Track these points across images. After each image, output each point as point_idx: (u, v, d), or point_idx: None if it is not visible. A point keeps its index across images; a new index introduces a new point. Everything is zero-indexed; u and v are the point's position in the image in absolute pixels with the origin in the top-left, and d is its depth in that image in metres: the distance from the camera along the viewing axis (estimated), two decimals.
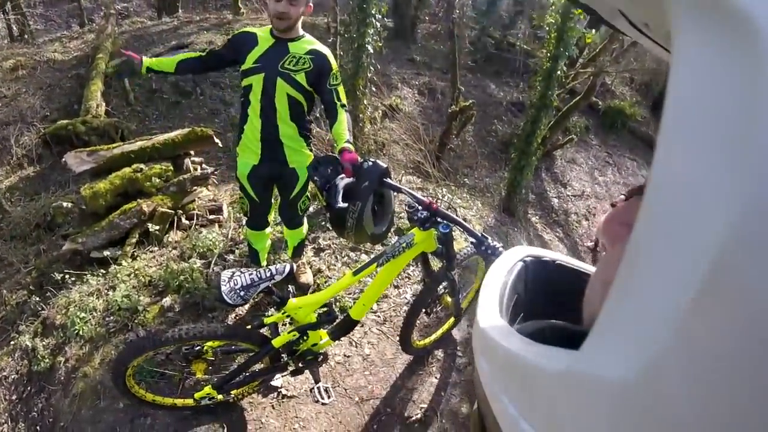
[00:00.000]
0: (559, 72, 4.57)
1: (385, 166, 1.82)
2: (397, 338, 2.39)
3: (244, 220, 2.65)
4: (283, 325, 2.23)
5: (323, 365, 2.34)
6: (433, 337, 2.52)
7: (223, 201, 3.81)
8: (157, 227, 3.25)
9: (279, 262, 1.85)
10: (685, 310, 0.17)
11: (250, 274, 1.68)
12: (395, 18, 9.21)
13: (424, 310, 2.30)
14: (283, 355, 1.93)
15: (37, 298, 2.92)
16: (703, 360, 0.16)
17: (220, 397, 1.90)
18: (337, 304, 2.66)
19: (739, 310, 0.15)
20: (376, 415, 2.23)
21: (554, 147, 7.71)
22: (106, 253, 3.10)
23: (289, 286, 2.31)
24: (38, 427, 2.29)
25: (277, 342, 1.84)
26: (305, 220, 2.67)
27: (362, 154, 4.42)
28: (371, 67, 3.99)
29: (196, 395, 1.90)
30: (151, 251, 3.16)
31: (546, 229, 5.75)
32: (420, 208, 1.79)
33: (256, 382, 2.08)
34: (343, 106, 2.19)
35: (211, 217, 3.63)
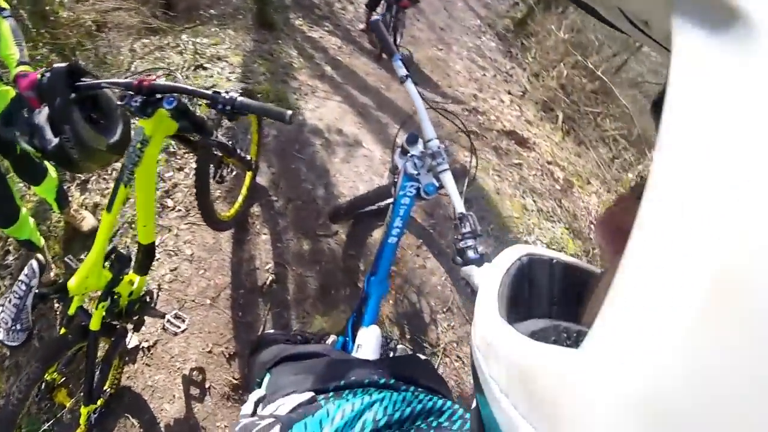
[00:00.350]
0: None
1: (65, 65, 1.42)
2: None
3: None
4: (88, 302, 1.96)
5: (157, 299, 2.21)
6: (240, 200, 2.41)
7: None
8: None
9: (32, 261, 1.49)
10: (689, 315, 0.15)
11: (9, 302, 1.38)
12: None
13: (213, 180, 2.13)
14: (113, 323, 1.71)
15: None
16: (707, 365, 0.15)
17: (100, 402, 1.74)
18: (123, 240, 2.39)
19: (746, 314, 0.14)
20: (233, 304, 2.22)
21: None
22: None
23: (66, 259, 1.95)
24: None
25: (94, 324, 1.59)
26: (46, 163, 2.12)
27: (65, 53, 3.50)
28: None
29: (82, 421, 1.69)
30: None
31: (314, 28, 5.39)
32: (132, 94, 1.45)
33: (116, 364, 1.89)
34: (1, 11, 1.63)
35: None
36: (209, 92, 1.42)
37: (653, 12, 0.29)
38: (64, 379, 1.71)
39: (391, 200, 1.61)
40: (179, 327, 1.91)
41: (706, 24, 0.18)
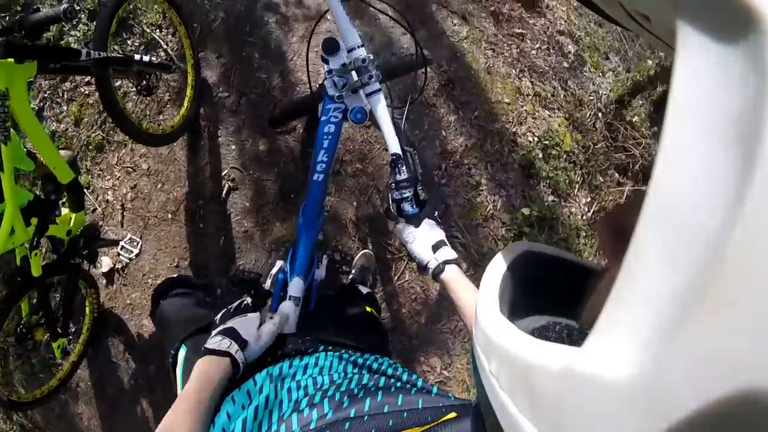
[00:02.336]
0: None
1: None
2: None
3: None
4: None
5: (123, 219, 2.27)
6: (185, 105, 2.19)
7: None
8: None
9: None
10: (690, 310, 0.16)
11: None
12: None
13: (140, 94, 1.98)
14: (62, 262, 1.83)
15: None
16: (708, 361, 0.16)
17: (67, 337, 1.94)
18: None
19: (747, 310, 0.15)
20: (193, 216, 2.24)
21: None
22: None
23: None
24: None
25: (34, 271, 1.68)
26: None
27: None
28: None
29: (56, 354, 1.93)
30: None
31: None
32: None
33: (89, 294, 2.09)
34: None
35: None
36: None
37: (655, 8, 0.27)
38: (41, 319, 1.89)
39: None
40: (132, 251, 2.01)
41: (713, 21, 0.17)
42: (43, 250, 1.82)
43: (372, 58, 1.15)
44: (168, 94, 2.30)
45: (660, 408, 0.18)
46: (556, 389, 0.25)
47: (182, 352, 1.02)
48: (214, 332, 0.85)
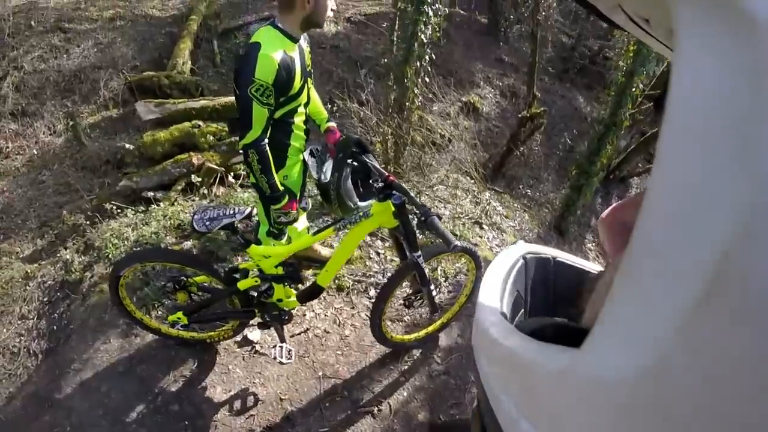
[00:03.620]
0: (634, 89, 4.20)
1: (356, 137, 1.95)
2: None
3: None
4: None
5: (302, 332, 2.47)
6: (414, 335, 2.50)
7: None
8: (200, 179, 3.53)
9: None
10: (689, 309, 0.17)
11: (217, 210, 1.83)
12: (489, 14, 8.93)
13: (404, 302, 2.32)
14: (251, 304, 2.05)
15: (88, 223, 3.31)
16: (706, 359, 0.17)
17: (185, 320, 2.08)
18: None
19: (743, 308, 0.16)
20: (332, 392, 2.29)
21: (631, 174, 7.15)
22: (153, 194, 3.45)
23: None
24: (55, 327, 2.64)
25: (241, 284, 1.97)
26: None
27: (404, 146, 4.42)
28: (427, 57, 3.94)
29: (170, 317, 2.11)
30: (191, 200, 3.43)
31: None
32: (378, 179, 1.88)
33: (229, 326, 2.26)
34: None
35: None
36: (422, 205, 1.74)
37: (655, 11, 0.31)
38: (192, 291, 2.09)
39: None
40: (282, 357, 2.16)
41: (711, 25, 0.18)
42: None
43: None
44: (413, 319, 2.67)
45: (659, 408, 0.17)
46: (556, 389, 0.25)
47: None
48: None
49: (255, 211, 1.85)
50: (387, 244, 3.15)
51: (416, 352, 2.53)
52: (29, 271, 3.12)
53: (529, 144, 6.76)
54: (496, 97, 8.32)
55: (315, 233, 1.95)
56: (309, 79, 2.09)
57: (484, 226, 3.77)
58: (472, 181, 5.14)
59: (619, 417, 0.21)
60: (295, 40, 1.86)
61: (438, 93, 6.83)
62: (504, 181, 6.20)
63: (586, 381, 0.23)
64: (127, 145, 4.07)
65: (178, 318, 2.08)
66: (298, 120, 2.07)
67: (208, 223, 1.78)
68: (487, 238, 3.73)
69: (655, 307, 0.19)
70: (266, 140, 1.87)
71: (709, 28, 0.18)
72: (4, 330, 2.72)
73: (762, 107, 0.15)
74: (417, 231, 2.07)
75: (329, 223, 1.95)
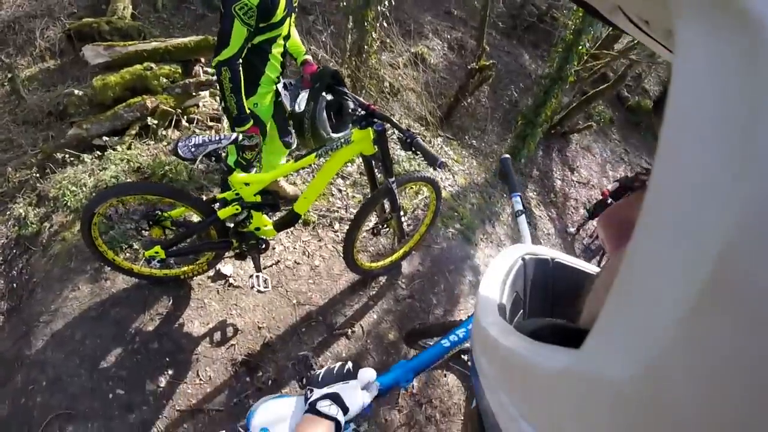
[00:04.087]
0: (581, 47, 4.44)
1: (332, 69, 1.99)
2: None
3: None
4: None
5: (273, 264, 2.52)
6: (381, 262, 2.64)
7: None
8: (156, 122, 3.39)
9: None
10: (688, 309, 0.17)
11: (203, 137, 1.84)
12: None
13: (372, 230, 2.42)
14: (228, 235, 2.08)
15: (38, 176, 3.12)
16: (706, 359, 0.16)
17: (163, 254, 2.06)
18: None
19: (743, 308, 0.15)
20: (307, 318, 2.39)
21: (571, 130, 7.56)
22: (107, 139, 3.29)
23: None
24: (14, 285, 2.51)
25: (222, 213, 1.99)
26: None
27: (362, 89, 4.46)
28: (386, 2, 3.97)
29: (146, 252, 2.07)
30: (147, 144, 3.28)
31: (540, 206, 5.75)
32: (359, 108, 1.94)
33: (204, 259, 2.27)
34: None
35: (210, 124, 3.73)
36: (406, 129, 1.84)
37: (654, 12, 0.28)
38: (166, 226, 2.08)
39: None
40: (260, 286, 2.20)
41: (711, 25, 0.18)
42: None
43: None
44: (377, 247, 2.81)
45: (659, 408, 0.17)
46: (555, 389, 0.25)
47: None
48: (320, 392, 0.91)
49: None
50: (348, 182, 3.25)
51: (382, 279, 2.68)
52: None
53: (476, 96, 6.96)
54: (444, 50, 8.38)
55: (296, 159, 1.99)
56: (293, 14, 2.10)
57: (437, 168, 3.95)
58: (424, 127, 5.29)
59: (618, 417, 0.20)
60: None
61: (390, 42, 6.81)
62: (451, 131, 6.38)
63: (585, 381, 0.23)
64: (76, 91, 3.78)
65: (156, 252, 2.05)
66: (276, 51, 2.10)
67: (193, 149, 1.78)
68: (441, 179, 3.92)
69: (655, 307, 0.19)
70: (240, 60, 1.90)
71: (708, 28, 0.18)
72: None
73: (761, 107, 0.16)
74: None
75: (311, 150, 1.99)
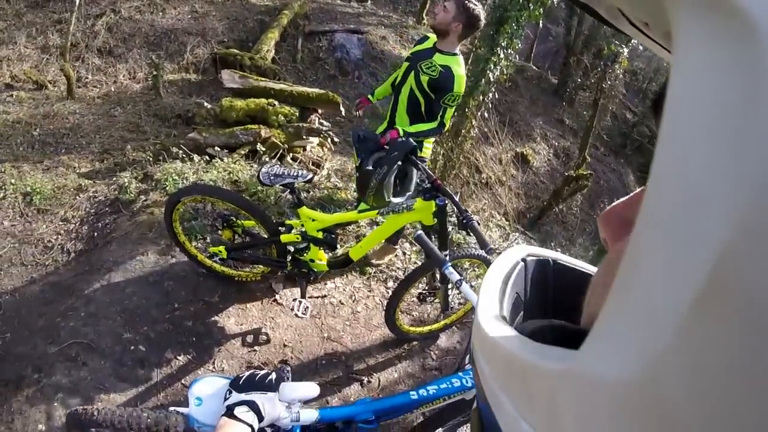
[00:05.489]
0: None
1: (414, 144, 2.06)
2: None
3: None
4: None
5: (320, 297, 2.58)
6: (419, 329, 2.55)
7: (327, 161, 4.21)
8: (264, 150, 3.75)
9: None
10: (687, 309, 0.17)
11: (283, 168, 2.02)
12: (560, 75, 9.13)
13: (419, 295, 2.38)
14: (286, 257, 2.20)
15: (151, 159, 3.57)
16: (705, 359, 0.16)
17: (224, 254, 2.23)
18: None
19: (742, 308, 0.15)
20: (330, 354, 2.35)
21: None
22: (218, 150, 3.68)
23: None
24: (95, 234, 2.83)
25: (284, 237, 2.13)
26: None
27: (452, 169, 4.54)
28: (490, 95, 4.16)
29: (211, 249, 2.28)
30: (251, 165, 3.60)
31: None
32: (427, 181, 2.02)
33: (260, 270, 2.41)
34: (441, 124, 2.43)
35: (311, 167, 4.01)
36: (465, 209, 1.86)
37: (653, 13, 0.29)
38: (237, 232, 2.26)
39: None
40: (298, 311, 2.23)
41: (708, 26, 0.18)
42: None
43: None
44: (423, 314, 2.73)
45: (658, 408, 0.18)
46: (555, 390, 0.25)
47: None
48: (239, 398, 0.94)
49: (316, 178, 2.06)
50: (415, 248, 3.22)
51: (416, 344, 2.55)
52: (83, 184, 3.34)
53: (568, 203, 6.77)
54: (549, 156, 8.41)
55: (360, 212, 2.12)
56: (413, 73, 2.43)
57: (487, 253, 3.82)
58: (506, 221, 5.19)
59: (618, 418, 0.20)
60: (434, 43, 2.41)
61: (494, 137, 6.98)
62: (538, 235, 6.20)
63: (584, 382, 0.23)
64: (207, 105, 4.35)
65: (219, 251, 2.23)
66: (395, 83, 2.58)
67: (272, 177, 1.97)
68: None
69: (654, 307, 0.19)
70: None
71: (704, 29, 0.19)
72: (44, 226, 2.91)
73: (760, 106, 0.16)
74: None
75: (372, 206, 2.07)
